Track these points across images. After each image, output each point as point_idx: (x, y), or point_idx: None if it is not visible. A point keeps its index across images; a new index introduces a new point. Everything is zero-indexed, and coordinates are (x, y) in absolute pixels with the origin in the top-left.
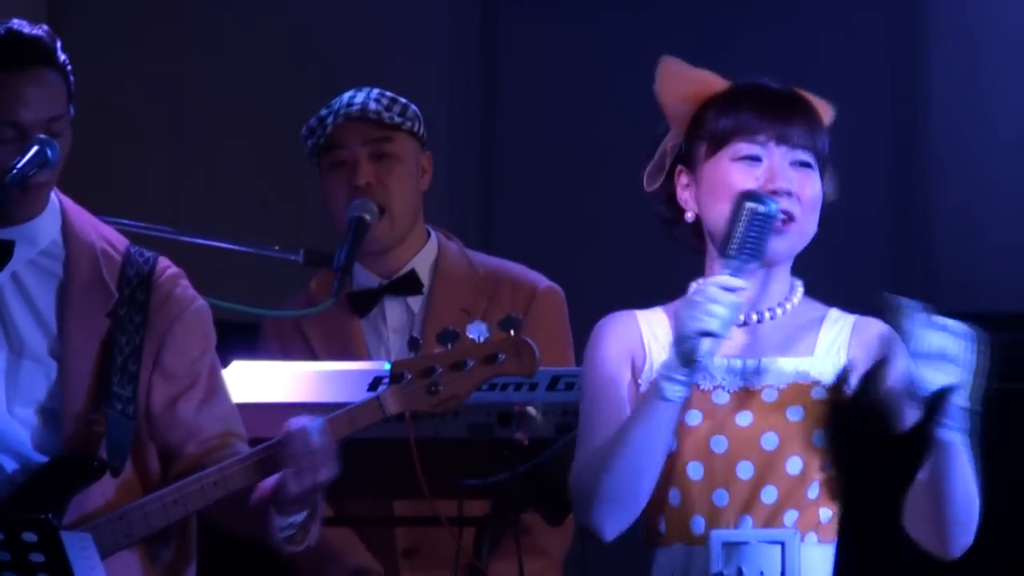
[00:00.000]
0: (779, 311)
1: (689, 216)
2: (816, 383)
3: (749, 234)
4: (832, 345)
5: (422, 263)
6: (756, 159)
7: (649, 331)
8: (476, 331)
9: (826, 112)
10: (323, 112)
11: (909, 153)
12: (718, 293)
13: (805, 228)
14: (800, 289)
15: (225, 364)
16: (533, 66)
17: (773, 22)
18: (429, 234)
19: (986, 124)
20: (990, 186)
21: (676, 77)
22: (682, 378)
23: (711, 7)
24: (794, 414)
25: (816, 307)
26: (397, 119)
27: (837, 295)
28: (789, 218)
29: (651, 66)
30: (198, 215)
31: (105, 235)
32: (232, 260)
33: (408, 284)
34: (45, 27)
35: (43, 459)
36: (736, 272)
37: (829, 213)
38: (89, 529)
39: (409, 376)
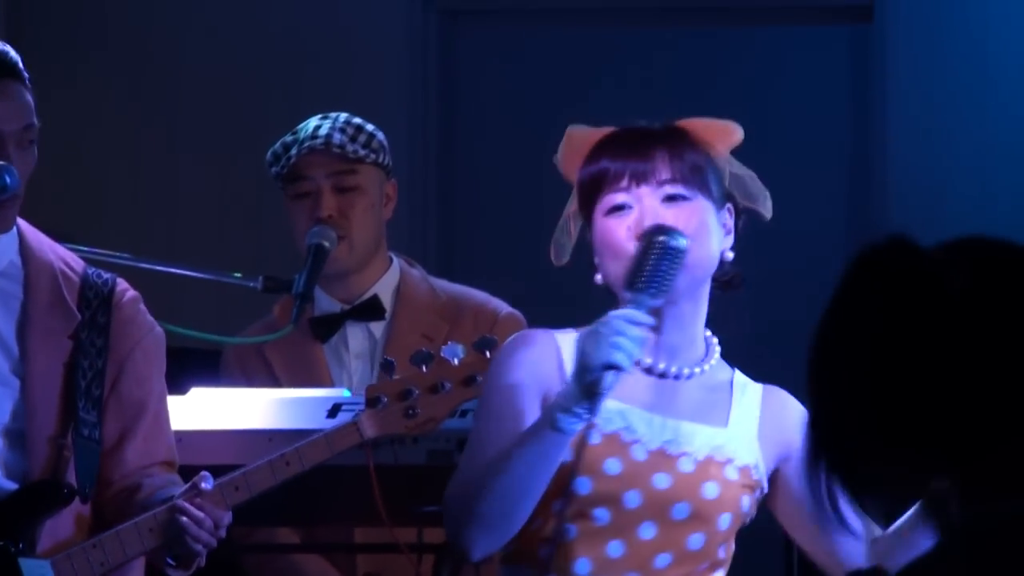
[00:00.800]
0: (697, 370)
1: (598, 278)
2: (729, 461)
3: (659, 268)
4: (744, 420)
5: (384, 289)
6: (625, 207)
7: (568, 354)
8: (451, 352)
9: (721, 135)
10: (288, 139)
11: (867, 180)
12: (624, 326)
13: (695, 259)
14: (717, 348)
15: (185, 391)
16: (492, 86)
17: (733, 44)
18: (391, 260)
19: (944, 150)
20: (949, 215)
21: (573, 143)
22: (580, 411)
23: (672, 25)
24: (709, 491)
25: (724, 368)
26: (362, 151)
27: (796, 317)
28: None
29: (614, 84)
30: (157, 242)
31: (62, 256)
32: (192, 287)
33: (370, 309)
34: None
35: (10, 482)
36: (641, 307)
37: (787, 236)
38: (63, 558)
39: (385, 399)
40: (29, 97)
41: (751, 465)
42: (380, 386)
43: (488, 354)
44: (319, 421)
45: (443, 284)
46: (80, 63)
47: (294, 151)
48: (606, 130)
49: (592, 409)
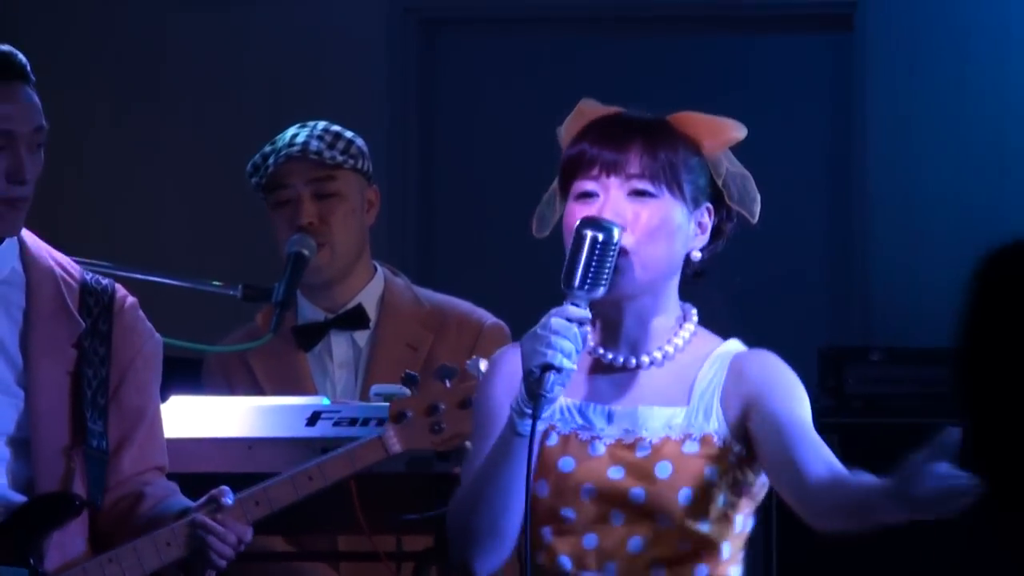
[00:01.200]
0: (658, 354)
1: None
2: (688, 436)
3: (590, 262)
4: (707, 390)
5: (368, 298)
6: (592, 195)
7: None
8: (475, 367)
9: (715, 131)
10: (267, 149)
11: (846, 191)
12: (561, 324)
13: (646, 258)
14: (690, 324)
15: (165, 399)
16: (472, 94)
17: (715, 52)
18: (376, 269)
19: (923, 160)
20: (927, 224)
21: (579, 116)
22: (528, 411)
23: (652, 35)
24: (661, 471)
25: (707, 342)
26: (340, 157)
27: (775, 334)
28: (628, 252)
29: (593, 93)
30: (136, 250)
31: (60, 261)
32: (171, 296)
33: (354, 318)
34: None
35: (16, 492)
36: (579, 302)
37: (769, 242)
38: (78, 572)
39: (410, 414)
40: (37, 100)
41: (712, 432)
42: (405, 401)
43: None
44: (298, 429)
45: (427, 293)
46: (60, 75)
47: (272, 160)
48: (613, 109)
49: (540, 409)
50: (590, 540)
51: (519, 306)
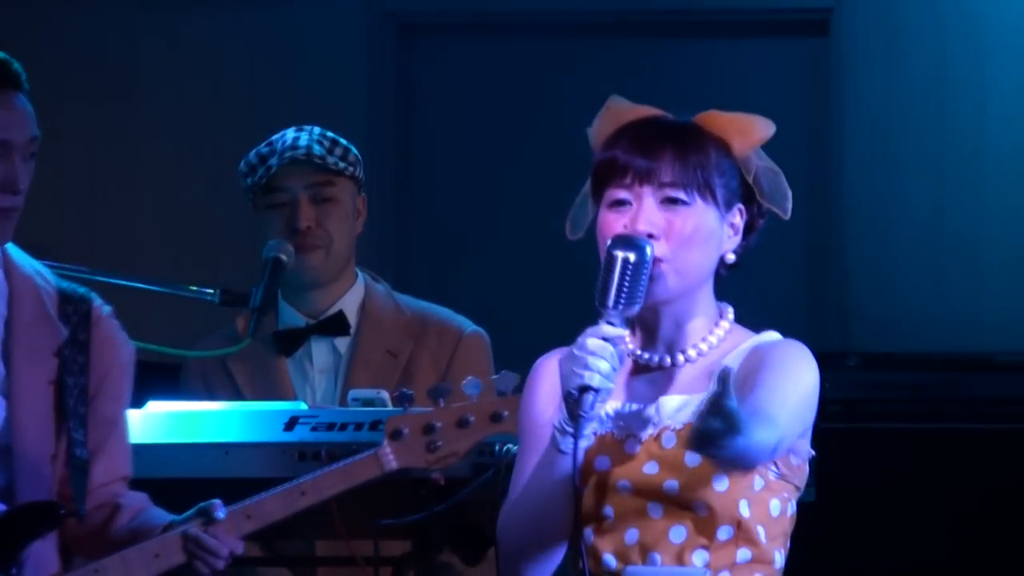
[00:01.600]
0: (692, 352)
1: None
2: None
3: (623, 283)
4: None
5: (350, 304)
6: (625, 203)
7: None
8: (471, 388)
9: (744, 131)
10: (263, 150)
11: (823, 196)
12: (597, 345)
13: (681, 265)
14: (725, 322)
15: (141, 404)
16: (449, 99)
17: (691, 56)
18: (357, 275)
19: (899, 166)
20: (904, 229)
21: (609, 117)
22: (570, 430)
23: (628, 38)
24: (692, 460)
25: (740, 336)
26: (340, 164)
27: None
28: (663, 260)
29: (570, 98)
30: (114, 256)
31: (38, 269)
32: (148, 301)
33: (335, 325)
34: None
35: None
36: (614, 321)
37: (744, 256)
38: None
39: (406, 431)
40: (32, 108)
41: None
42: (401, 418)
43: (511, 393)
44: (276, 434)
45: (408, 300)
46: (34, 77)
47: (273, 161)
48: (644, 109)
49: (580, 428)
50: (631, 535)
51: (497, 312)
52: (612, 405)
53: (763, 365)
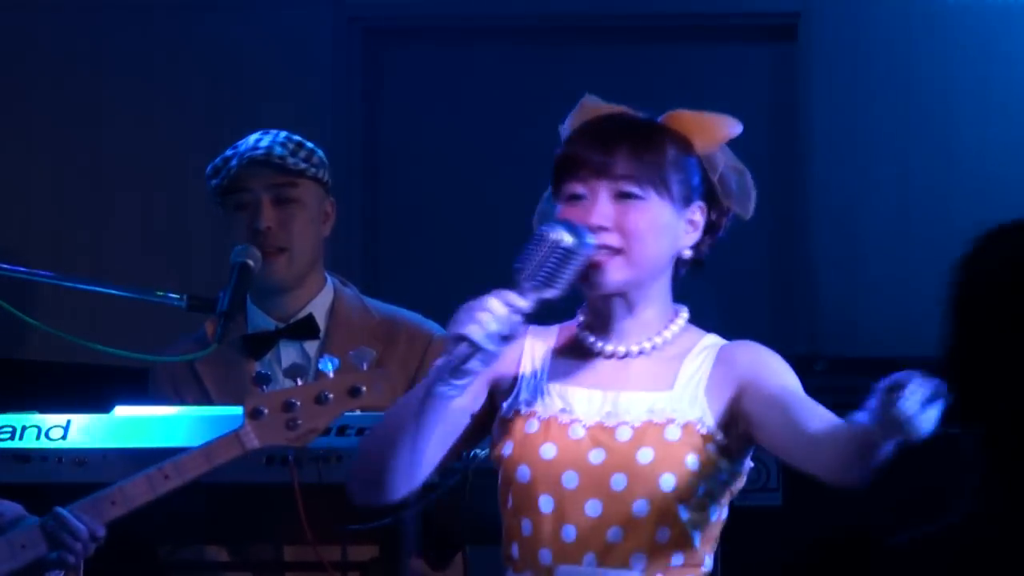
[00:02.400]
0: (647, 344)
1: None
2: (671, 420)
3: (546, 261)
4: (692, 378)
5: (319, 308)
6: (581, 197)
7: (531, 350)
8: (326, 365)
9: (707, 129)
10: (228, 153)
11: (790, 200)
12: (494, 304)
13: (637, 258)
14: (680, 319)
15: (108, 409)
16: (416, 104)
17: (657, 62)
18: (326, 279)
19: (866, 170)
20: (871, 233)
21: (580, 116)
22: (444, 375)
23: (595, 44)
24: (643, 456)
25: (693, 336)
26: (302, 165)
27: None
28: (614, 251)
29: (537, 103)
30: (81, 261)
31: None
32: (117, 306)
33: (305, 328)
34: None
35: None
36: (526, 295)
37: (710, 260)
38: None
39: (266, 411)
40: None
41: (694, 420)
42: (260, 398)
43: (365, 367)
44: None
45: (377, 304)
46: (2, 80)
47: (234, 162)
48: (615, 108)
49: (451, 375)
50: (568, 532)
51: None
52: (555, 385)
53: (767, 376)
